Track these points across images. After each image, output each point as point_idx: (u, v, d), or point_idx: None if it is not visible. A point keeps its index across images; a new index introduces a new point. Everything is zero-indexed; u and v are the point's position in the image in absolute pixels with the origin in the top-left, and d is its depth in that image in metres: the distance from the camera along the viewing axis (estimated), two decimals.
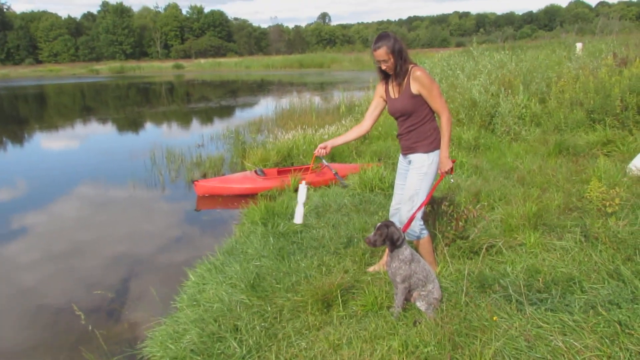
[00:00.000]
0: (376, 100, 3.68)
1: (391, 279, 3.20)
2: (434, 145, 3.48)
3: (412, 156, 3.54)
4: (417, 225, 3.54)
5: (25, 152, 12.62)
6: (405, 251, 3.13)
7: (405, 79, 3.39)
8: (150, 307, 4.15)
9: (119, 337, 3.87)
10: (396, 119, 3.61)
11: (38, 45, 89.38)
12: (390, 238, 3.11)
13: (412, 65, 3.39)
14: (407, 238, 3.56)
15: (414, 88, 3.37)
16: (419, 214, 3.52)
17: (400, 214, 3.58)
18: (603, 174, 5.28)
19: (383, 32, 3.37)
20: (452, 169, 3.49)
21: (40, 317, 4.31)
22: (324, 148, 3.73)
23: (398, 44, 3.29)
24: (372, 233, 3.18)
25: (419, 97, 3.39)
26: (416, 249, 3.68)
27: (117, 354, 3.54)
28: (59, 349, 3.80)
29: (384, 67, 3.39)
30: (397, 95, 3.48)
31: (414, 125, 3.47)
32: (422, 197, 3.48)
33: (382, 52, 3.30)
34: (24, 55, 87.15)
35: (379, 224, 3.18)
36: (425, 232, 3.60)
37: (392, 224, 3.16)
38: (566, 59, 12.09)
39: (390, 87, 3.52)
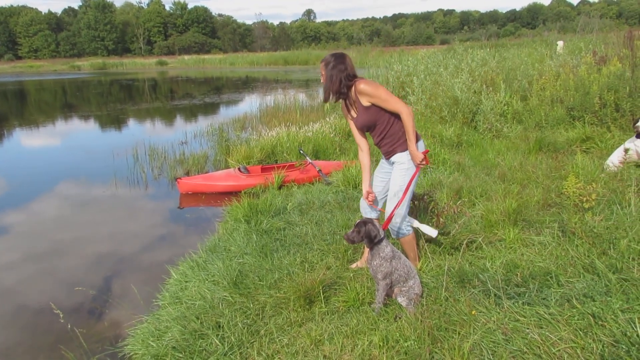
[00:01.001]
0: (352, 122, 3.69)
1: (372, 275, 3.24)
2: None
3: (393, 157, 3.59)
4: (405, 223, 3.59)
5: (5, 149, 12.40)
6: (386, 248, 3.17)
7: (354, 96, 3.48)
8: (132, 305, 4.13)
9: (100, 336, 3.85)
10: (366, 132, 3.68)
11: (17, 41, 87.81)
12: (367, 235, 3.16)
13: (355, 80, 3.45)
14: (399, 237, 3.61)
15: (364, 101, 3.45)
16: (405, 211, 3.57)
17: (387, 210, 3.61)
18: (581, 170, 5.38)
19: (337, 52, 3.56)
20: (426, 159, 3.47)
21: (20, 317, 4.26)
22: (370, 194, 3.71)
23: (336, 71, 3.42)
24: (351, 230, 3.22)
25: (373, 108, 3.45)
26: (400, 244, 3.73)
27: (98, 353, 3.52)
28: (39, 349, 3.76)
29: (322, 80, 3.56)
30: (356, 113, 3.56)
31: (382, 132, 3.54)
32: (406, 192, 3.53)
33: (321, 65, 3.55)
34: (3, 51, 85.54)
35: (358, 221, 3.22)
36: (409, 229, 3.65)
37: (371, 221, 3.20)
38: (548, 57, 12.26)
39: (349, 106, 3.59)
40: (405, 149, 3.50)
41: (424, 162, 3.46)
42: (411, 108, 3.44)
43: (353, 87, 3.45)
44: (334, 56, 3.48)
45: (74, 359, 3.20)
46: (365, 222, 3.20)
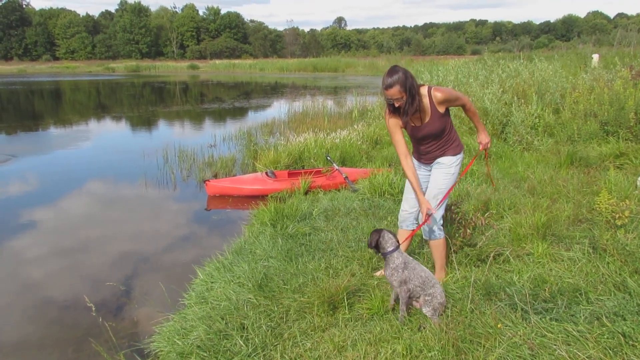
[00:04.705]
0: (400, 132, 3.51)
1: (390, 284, 3.28)
2: (460, 148, 3.61)
3: (441, 159, 3.59)
4: (437, 225, 3.59)
5: (39, 147, 12.76)
6: (397, 260, 3.21)
7: (428, 104, 3.38)
8: (159, 303, 4.21)
9: (127, 331, 3.94)
10: (422, 140, 3.56)
11: (56, 42, 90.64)
12: (369, 243, 3.30)
13: (427, 88, 3.38)
14: (430, 239, 3.64)
15: (441, 108, 3.41)
16: (439, 214, 3.58)
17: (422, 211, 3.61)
18: (614, 186, 5.26)
19: (393, 67, 3.28)
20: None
21: (49, 310, 4.38)
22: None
23: (409, 79, 3.22)
24: None
25: (446, 112, 3.47)
26: (430, 248, 3.75)
27: (125, 348, 3.59)
28: (67, 342, 3.86)
29: (397, 105, 3.32)
30: (420, 123, 3.46)
31: (442, 139, 3.53)
32: (445, 195, 3.56)
33: (394, 91, 3.23)
34: (42, 52, 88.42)
35: (375, 229, 3.35)
36: (441, 233, 3.64)
37: (381, 231, 3.28)
38: (582, 70, 12.03)
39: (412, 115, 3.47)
40: (455, 154, 3.55)
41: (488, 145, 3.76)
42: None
43: (426, 94, 3.37)
44: (401, 74, 3.22)
45: (104, 353, 3.27)
46: (377, 230, 3.30)
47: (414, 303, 3.26)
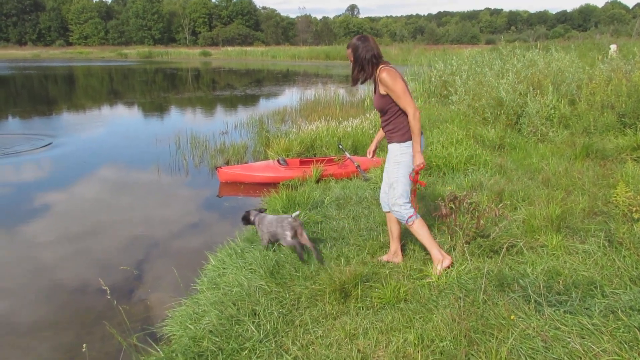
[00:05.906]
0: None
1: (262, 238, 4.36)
2: (407, 136, 3.65)
3: (389, 146, 3.76)
4: (404, 211, 3.68)
5: (52, 132, 12.85)
6: (256, 220, 4.43)
7: (377, 79, 3.61)
8: (171, 287, 4.24)
9: (140, 315, 3.97)
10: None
11: (69, 28, 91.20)
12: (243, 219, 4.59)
13: (381, 66, 3.57)
14: (405, 224, 3.74)
15: (382, 89, 3.58)
16: (404, 199, 3.67)
17: (387, 201, 3.81)
18: (631, 179, 5.19)
19: (361, 35, 3.68)
20: (423, 164, 3.60)
21: (64, 293, 4.44)
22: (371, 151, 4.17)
23: (363, 51, 3.55)
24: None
25: (388, 97, 3.58)
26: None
27: (138, 331, 3.63)
28: (81, 324, 3.91)
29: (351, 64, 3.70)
30: (374, 93, 3.72)
31: (389, 119, 3.68)
32: (401, 183, 3.66)
33: (348, 52, 3.68)
34: (55, 37, 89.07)
35: None
36: (412, 217, 3.69)
37: (248, 210, 4.54)
38: (599, 60, 11.83)
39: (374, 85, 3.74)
40: (400, 141, 3.66)
41: (421, 166, 3.58)
42: (419, 112, 3.56)
43: (377, 70, 3.58)
44: (360, 39, 3.61)
45: (117, 335, 3.31)
46: (247, 211, 4.54)
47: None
